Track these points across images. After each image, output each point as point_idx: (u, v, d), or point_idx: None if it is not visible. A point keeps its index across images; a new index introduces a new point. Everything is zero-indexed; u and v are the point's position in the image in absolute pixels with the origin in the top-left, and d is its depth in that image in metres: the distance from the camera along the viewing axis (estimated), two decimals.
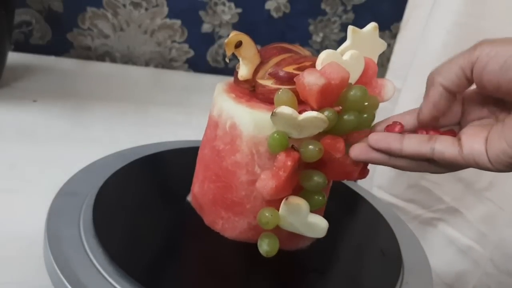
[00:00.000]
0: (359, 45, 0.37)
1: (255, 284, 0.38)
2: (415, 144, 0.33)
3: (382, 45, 0.39)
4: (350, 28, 0.37)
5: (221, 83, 0.41)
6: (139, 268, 0.35)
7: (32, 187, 0.54)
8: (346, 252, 0.41)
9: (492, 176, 0.66)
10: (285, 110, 0.34)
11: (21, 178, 0.56)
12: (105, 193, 0.42)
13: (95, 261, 0.35)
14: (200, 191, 0.41)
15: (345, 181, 0.54)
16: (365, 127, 0.37)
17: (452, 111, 0.35)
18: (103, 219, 0.39)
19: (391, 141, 0.34)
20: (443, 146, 0.32)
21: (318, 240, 0.38)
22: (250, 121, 0.37)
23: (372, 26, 0.38)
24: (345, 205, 0.48)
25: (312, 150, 0.35)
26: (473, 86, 0.34)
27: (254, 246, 0.37)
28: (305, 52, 0.41)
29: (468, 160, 0.31)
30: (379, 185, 0.76)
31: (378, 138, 0.34)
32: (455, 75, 0.32)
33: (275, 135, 0.35)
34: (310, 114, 0.34)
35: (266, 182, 0.35)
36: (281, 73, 0.38)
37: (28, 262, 0.42)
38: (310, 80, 0.34)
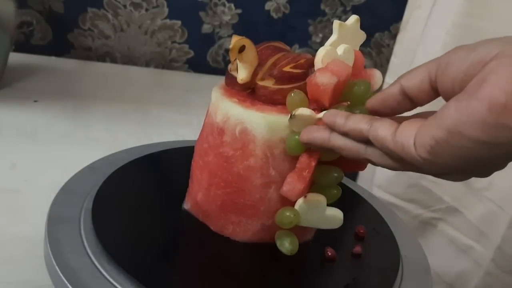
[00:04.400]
0: (344, 38, 0.38)
1: (272, 279, 0.38)
2: (357, 119, 0.32)
3: (363, 36, 0.40)
4: (336, 22, 0.38)
5: (216, 87, 0.41)
6: (140, 268, 0.35)
7: (32, 187, 0.54)
8: (345, 253, 0.41)
9: (492, 176, 0.66)
10: (305, 111, 0.35)
11: (21, 178, 0.56)
12: (105, 193, 0.42)
13: (95, 261, 0.35)
14: (205, 199, 0.41)
15: (345, 181, 0.54)
16: None
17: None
18: (103, 219, 0.39)
19: (339, 115, 0.33)
20: (380, 124, 0.30)
21: (320, 231, 0.38)
22: (263, 125, 0.37)
23: (354, 18, 0.39)
24: (344, 205, 0.48)
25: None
26: None
27: (264, 245, 0.38)
28: (286, 47, 0.41)
29: (396, 143, 0.29)
30: (379, 185, 0.76)
31: (329, 113, 0.34)
32: (419, 79, 0.31)
33: (297, 137, 0.36)
34: None
35: (294, 185, 0.36)
36: (282, 74, 0.38)
37: (28, 262, 0.42)
38: (324, 79, 0.35)
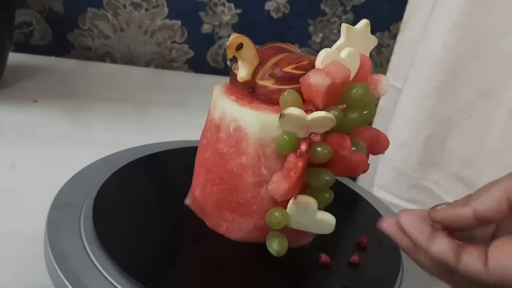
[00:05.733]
0: (352, 42, 0.38)
1: (261, 281, 0.38)
2: (444, 246, 0.29)
3: (374, 41, 0.39)
4: (344, 25, 0.37)
5: (218, 85, 0.41)
6: (140, 268, 0.35)
7: (32, 187, 0.54)
8: (345, 252, 0.41)
9: (494, 176, 0.66)
10: (294, 111, 0.34)
11: (21, 178, 0.56)
12: (105, 193, 0.42)
13: (95, 261, 0.35)
14: (202, 195, 0.41)
15: (345, 181, 0.54)
16: (366, 123, 0.38)
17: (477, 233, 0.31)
18: (103, 219, 0.39)
19: (424, 231, 0.30)
20: (469, 257, 0.28)
21: (319, 237, 0.38)
22: (256, 123, 0.37)
23: (364, 22, 0.39)
24: (344, 206, 0.48)
25: (321, 152, 0.35)
26: None
27: (258, 246, 0.38)
28: (296, 49, 0.41)
29: (494, 275, 0.27)
30: (380, 185, 0.76)
31: (413, 222, 0.30)
32: (496, 201, 0.28)
33: (285, 136, 0.35)
34: (318, 114, 0.34)
35: (279, 184, 0.36)
36: (282, 74, 0.38)
37: (28, 262, 0.42)
38: (317, 80, 0.35)
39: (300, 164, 0.35)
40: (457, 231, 0.30)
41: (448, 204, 0.31)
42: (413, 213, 0.31)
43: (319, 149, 0.35)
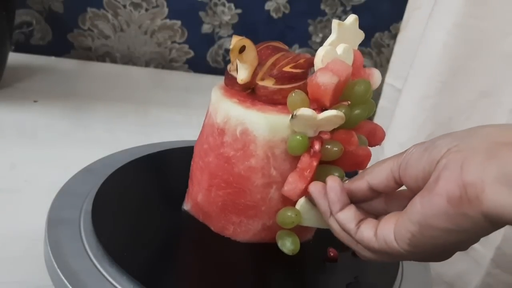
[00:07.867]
0: (343, 37, 0.38)
1: (276, 279, 0.38)
2: (349, 216, 0.33)
3: (361, 35, 0.40)
4: (335, 22, 0.38)
5: (215, 87, 0.41)
6: (140, 268, 0.35)
7: (32, 187, 0.54)
8: (345, 252, 0.41)
9: None
10: (306, 112, 0.35)
11: (21, 178, 0.56)
12: (105, 193, 0.42)
13: (95, 261, 0.35)
14: (205, 199, 0.40)
15: None
16: (368, 116, 0.38)
17: (374, 206, 0.35)
18: (103, 219, 0.39)
19: (340, 200, 0.34)
20: (365, 226, 0.32)
21: (319, 231, 0.39)
22: (265, 125, 0.37)
23: (353, 18, 0.39)
24: None
25: (332, 150, 0.36)
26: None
27: (266, 245, 0.38)
28: (285, 46, 0.41)
29: (380, 240, 0.31)
30: None
31: (336, 188, 0.34)
32: (385, 178, 0.33)
33: (298, 137, 0.36)
34: (329, 113, 0.35)
35: (296, 185, 0.36)
36: (282, 73, 0.38)
37: (28, 262, 0.42)
38: (325, 79, 0.35)
39: (315, 163, 0.36)
40: (359, 202, 0.34)
41: (348, 179, 0.35)
42: (338, 182, 0.34)
43: (330, 147, 0.36)
